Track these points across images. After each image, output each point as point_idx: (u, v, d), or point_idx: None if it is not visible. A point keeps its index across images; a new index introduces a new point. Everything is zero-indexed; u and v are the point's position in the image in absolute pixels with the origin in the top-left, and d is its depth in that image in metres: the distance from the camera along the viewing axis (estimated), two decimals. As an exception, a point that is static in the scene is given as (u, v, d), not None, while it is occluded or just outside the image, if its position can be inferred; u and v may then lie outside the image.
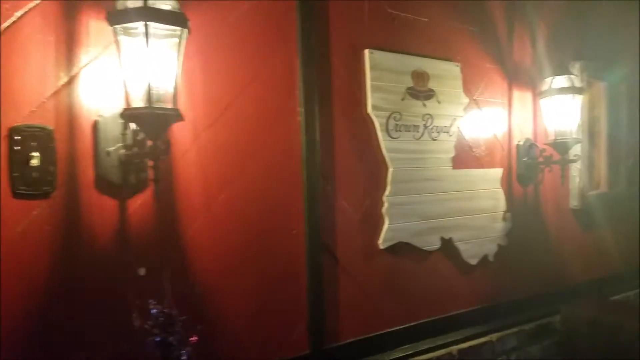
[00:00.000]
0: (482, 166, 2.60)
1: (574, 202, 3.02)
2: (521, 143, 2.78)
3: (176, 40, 1.43)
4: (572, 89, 2.59)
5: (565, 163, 2.67)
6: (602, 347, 2.53)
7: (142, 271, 1.57)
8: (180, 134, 1.64)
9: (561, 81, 2.61)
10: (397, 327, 2.21)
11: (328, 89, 2.04)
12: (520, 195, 2.79)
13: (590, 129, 3.11)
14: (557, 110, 2.63)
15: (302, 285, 1.93)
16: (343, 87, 2.08)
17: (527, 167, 2.79)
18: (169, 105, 1.43)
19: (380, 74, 2.17)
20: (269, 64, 1.87)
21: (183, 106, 1.60)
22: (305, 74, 1.94)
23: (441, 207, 2.40)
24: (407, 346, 2.20)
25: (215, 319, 1.70)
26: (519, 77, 2.78)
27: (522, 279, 2.75)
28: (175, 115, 1.44)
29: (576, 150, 2.92)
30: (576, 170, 2.99)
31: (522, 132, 2.80)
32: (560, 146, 2.64)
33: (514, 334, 2.56)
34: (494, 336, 2.45)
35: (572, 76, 2.61)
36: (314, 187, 1.96)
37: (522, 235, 2.74)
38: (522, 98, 2.80)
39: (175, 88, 1.44)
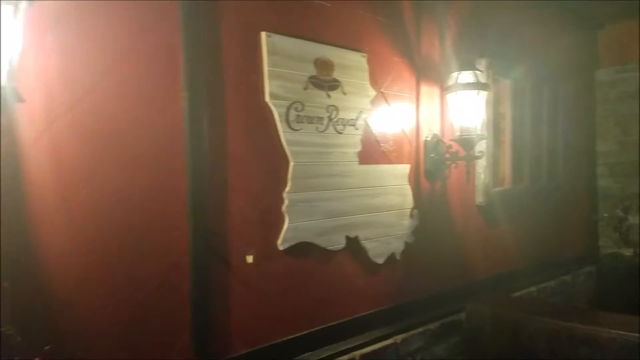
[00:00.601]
0: (389, 162, 2.51)
1: (479, 199, 3.03)
2: (429, 139, 2.73)
3: (11, 7, 1.17)
4: (477, 85, 2.56)
5: (470, 159, 2.64)
6: (504, 343, 2.53)
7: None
8: (30, 118, 1.37)
9: (466, 76, 2.58)
10: (298, 334, 2.06)
11: (219, 73, 1.84)
12: (427, 191, 2.74)
13: (496, 126, 3.13)
14: (462, 106, 2.60)
15: (185, 293, 1.72)
16: (237, 71, 1.89)
17: (435, 163, 2.74)
18: (3, 83, 1.17)
19: (279, 59, 2.00)
20: (147, 40, 1.64)
21: (32, 85, 1.34)
22: (189, 55, 1.73)
23: (347, 204, 2.28)
24: (306, 354, 2.05)
25: (73, 337, 1.45)
26: (427, 72, 2.73)
27: (429, 276, 2.70)
28: (11, 95, 1.18)
29: (481, 146, 2.93)
30: (482, 167, 3.00)
31: (430, 127, 2.75)
32: (465, 142, 2.61)
33: (420, 334, 2.50)
34: (398, 338, 2.37)
35: (477, 72, 2.58)
36: (201, 182, 1.75)
37: (429, 233, 2.70)
38: (430, 93, 2.76)
39: (11, 62, 1.18)
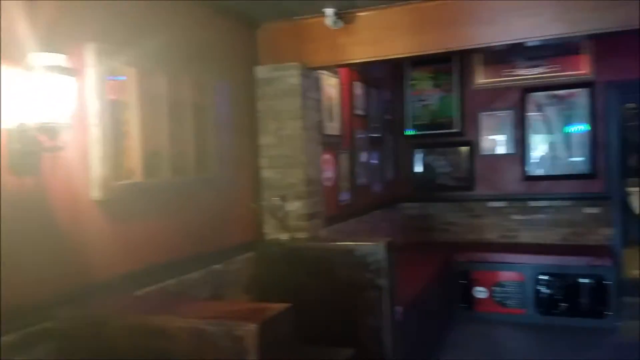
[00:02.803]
0: None
1: (96, 193, 2.82)
2: (11, 127, 2.40)
3: None
4: (60, 69, 2.34)
5: (55, 150, 2.41)
6: (90, 345, 2.38)
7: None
8: None
9: (48, 59, 2.33)
10: None
11: None
12: (12, 188, 2.40)
13: (116, 116, 2.97)
14: (42, 91, 2.35)
15: None
16: None
17: (22, 155, 2.42)
18: None
19: None
20: None
21: None
22: None
23: None
24: None
25: None
26: (11, 51, 2.39)
27: (12, 284, 2.37)
28: None
29: (92, 136, 2.75)
30: (97, 158, 2.79)
31: (16, 113, 2.42)
32: (48, 131, 2.37)
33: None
34: None
35: (60, 55, 2.36)
36: None
37: (13, 236, 2.37)
38: (15, 75, 2.42)
39: None
